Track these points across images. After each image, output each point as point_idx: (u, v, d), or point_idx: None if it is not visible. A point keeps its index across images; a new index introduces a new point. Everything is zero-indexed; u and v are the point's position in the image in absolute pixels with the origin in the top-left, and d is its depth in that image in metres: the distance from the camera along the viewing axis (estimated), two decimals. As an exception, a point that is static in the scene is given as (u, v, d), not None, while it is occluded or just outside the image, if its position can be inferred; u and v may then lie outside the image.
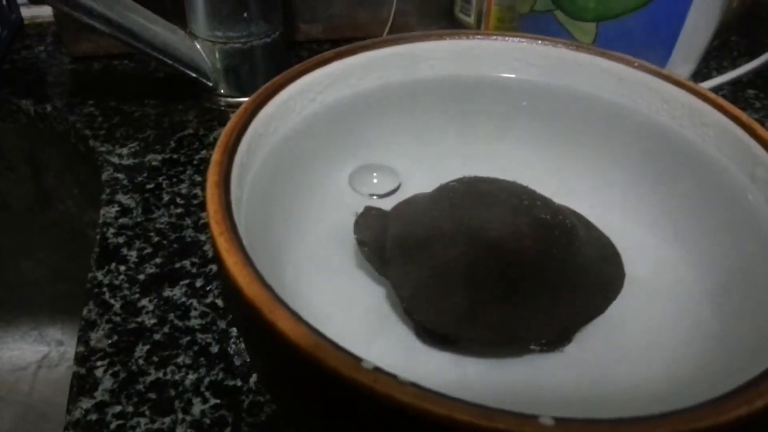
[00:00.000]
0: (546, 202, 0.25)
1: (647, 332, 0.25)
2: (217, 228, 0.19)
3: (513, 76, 0.30)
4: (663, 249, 0.27)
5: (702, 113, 0.27)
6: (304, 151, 0.26)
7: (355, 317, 0.25)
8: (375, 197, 0.29)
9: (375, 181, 0.30)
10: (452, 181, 0.26)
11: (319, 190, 0.27)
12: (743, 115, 0.26)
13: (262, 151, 0.24)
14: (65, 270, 0.53)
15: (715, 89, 0.49)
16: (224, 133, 0.22)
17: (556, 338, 0.24)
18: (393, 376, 0.15)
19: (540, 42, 0.30)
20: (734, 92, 0.52)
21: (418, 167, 0.30)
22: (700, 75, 0.53)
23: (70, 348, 0.56)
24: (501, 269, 0.23)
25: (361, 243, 0.25)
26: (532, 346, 0.24)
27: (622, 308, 0.25)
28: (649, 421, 0.15)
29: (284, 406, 0.21)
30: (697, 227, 0.26)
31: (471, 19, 0.52)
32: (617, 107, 0.29)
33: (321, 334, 0.16)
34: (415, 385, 0.15)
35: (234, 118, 0.23)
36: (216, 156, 0.21)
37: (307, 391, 0.17)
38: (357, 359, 0.15)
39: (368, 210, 0.26)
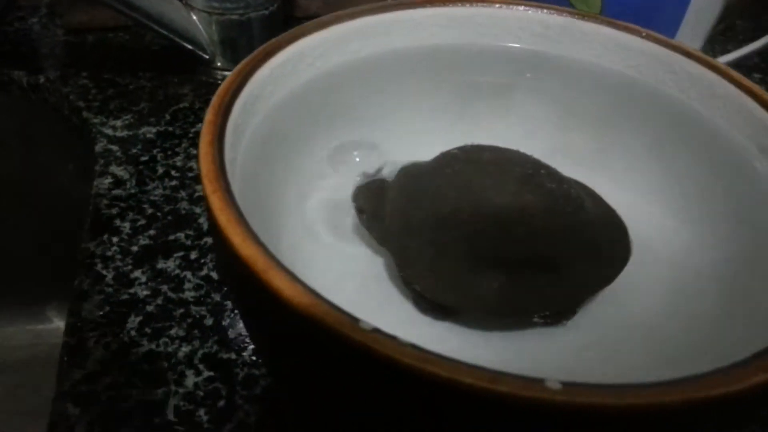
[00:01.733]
0: (551, 172, 0.24)
1: (653, 305, 0.24)
2: (210, 186, 0.18)
3: (517, 45, 0.29)
4: (669, 221, 0.26)
5: (712, 84, 0.26)
6: (302, 117, 0.26)
7: (352, 286, 0.24)
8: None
9: (370, 151, 0.29)
10: (454, 148, 0.25)
11: (317, 156, 0.26)
12: (755, 87, 0.25)
13: (257, 113, 0.23)
14: (58, 245, 0.53)
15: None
16: (218, 94, 0.21)
17: (560, 311, 0.23)
18: (392, 337, 0.14)
19: (546, 11, 0.29)
20: (739, 74, 0.51)
21: (418, 137, 0.29)
22: (704, 56, 0.53)
23: (62, 324, 0.55)
24: (504, 239, 0.22)
25: (359, 210, 0.24)
26: (535, 318, 0.23)
27: (627, 280, 0.24)
28: (660, 387, 0.15)
29: (281, 373, 0.20)
30: (704, 199, 0.26)
31: (473, -4, 0.51)
32: (624, 78, 0.28)
33: (318, 294, 0.15)
34: (415, 347, 0.14)
35: (228, 78, 0.22)
36: (209, 116, 0.20)
37: (304, 354, 0.17)
38: (355, 319, 0.15)
39: (369, 177, 0.25)
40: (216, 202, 0.17)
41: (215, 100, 0.21)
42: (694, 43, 0.44)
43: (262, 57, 0.24)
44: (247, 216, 0.18)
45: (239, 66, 0.23)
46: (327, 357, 0.16)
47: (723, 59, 0.47)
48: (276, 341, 0.18)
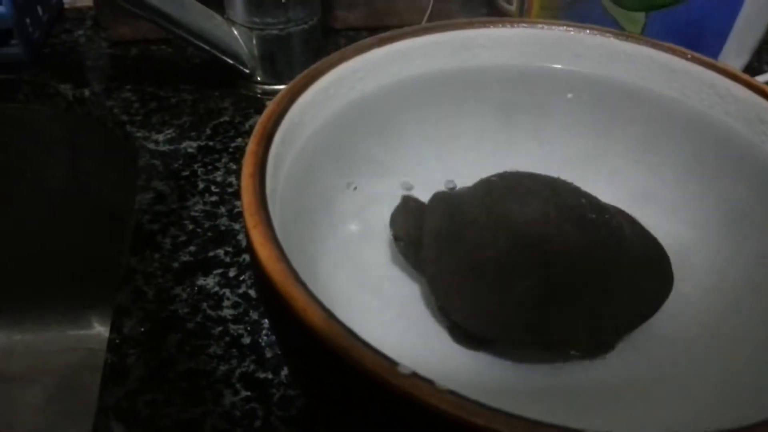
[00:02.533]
0: (591, 200, 0.24)
1: (694, 339, 0.23)
2: (251, 220, 0.18)
3: (559, 66, 0.29)
4: (714, 251, 0.26)
5: (759, 109, 0.25)
6: (341, 141, 0.26)
7: (389, 313, 0.24)
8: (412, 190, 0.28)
9: (409, 175, 0.29)
10: (493, 175, 0.25)
11: (356, 180, 0.26)
12: (804, 112, 0.25)
13: (298, 140, 0.23)
14: (100, 252, 0.54)
15: (768, 83, 0.47)
16: (260, 123, 0.22)
17: (599, 344, 0.23)
18: (430, 383, 0.14)
19: (588, 31, 0.28)
20: (788, 87, 0.50)
21: (458, 159, 0.29)
22: (750, 69, 0.51)
23: (104, 329, 0.57)
24: (542, 270, 0.22)
25: (396, 237, 0.24)
26: (573, 352, 0.23)
27: (668, 312, 0.23)
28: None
29: (314, 402, 0.20)
30: (749, 228, 0.25)
31: (513, 7, 0.51)
32: (668, 101, 0.28)
33: (356, 334, 0.15)
34: (453, 393, 0.14)
35: (270, 106, 0.22)
36: (251, 146, 0.21)
37: (339, 391, 0.17)
38: (393, 363, 0.15)
39: (405, 202, 0.25)
40: (257, 236, 0.18)
41: (258, 128, 0.21)
42: (741, 57, 0.43)
43: (303, 84, 0.24)
44: (287, 245, 0.18)
45: (281, 93, 0.23)
46: (364, 397, 0.16)
47: (770, 73, 0.46)
48: (310, 375, 0.18)
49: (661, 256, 0.24)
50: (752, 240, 0.25)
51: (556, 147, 0.29)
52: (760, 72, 0.49)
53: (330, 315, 0.16)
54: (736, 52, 0.41)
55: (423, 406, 0.14)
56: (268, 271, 0.17)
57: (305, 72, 0.24)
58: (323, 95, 0.25)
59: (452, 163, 0.28)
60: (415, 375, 0.14)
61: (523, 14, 0.50)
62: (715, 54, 0.41)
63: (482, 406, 0.14)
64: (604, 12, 0.40)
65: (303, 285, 0.16)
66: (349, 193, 0.26)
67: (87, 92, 0.46)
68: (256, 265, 0.18)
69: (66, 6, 0.56)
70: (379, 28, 0.27)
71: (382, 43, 0.27)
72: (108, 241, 0.52)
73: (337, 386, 0.17)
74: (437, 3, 0.53)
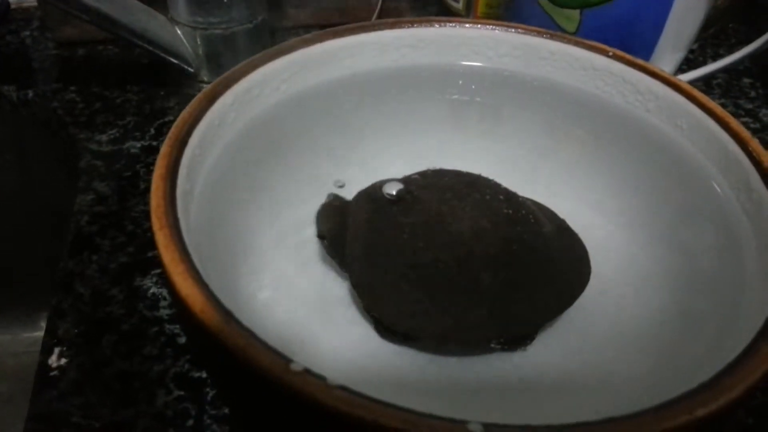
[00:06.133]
0: (510, 197, 0.24)
1: (611, 329, 0.24)
2: (157, 222, 0.18)
3: (484, 65, 0.29)
4: (629, 242, 0.26)
5: (676, 105, 0.26)
6: (266, 143, 0.26)
7: (316, 310, 0.25)
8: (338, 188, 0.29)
9: (342, 173, 0.29)
10: (415, 173, 0.25)
11: (281, 182, 0.27)
12: (717, 108, 0.25)
13: (219, 142, 0.24)
14: (52, 254, 0.53)
15: (709, 77, 0.48)
16: (176, 124, 0.22)
17: (518, 336, 0.23)
18: (322, 379, 0.15)
19: (513, 30, 0.29)
20: (729, 81, 0.51)
21: (383, 158, 0.29)
22: (694, 63, 0.52)
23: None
24: (461, 265, 0.22)
25: (320, 236, 0.25)
26: (493, 344, 0.23)
27: (586, 304, 0.24)
28: (587, 427, 0.15)
29: (224, 401, 0.21)
30: (665, 219, 0.26)
31: (460, 5, 0.51)
32: (590, 98, 0.28)
33: (253, 334, 0.16)
34: (343, 389, 0.15)
35: (186, 108, 0.22)
36: (165, 148, 0.21)
37: (240, 389, 0.17)
38: (287, 360, 0.15)
39: (330, 201, 0.26)
40: (162, 239, 0.18)
41: (172, 131, 0.21)
42: (678, 52, 0.44)
43: (224, 85, 0.24)
44: (201, 247, 0.18)
45: (199, 95, 0.23)
46: (262, 395, 0.16)
47: (712, 66, 0.47)
48: (216, 376, 0.18)
49: (579, 250, 0.25)
50: (665, 226, 0.25)
51: (481, 144, 0.30)
52: (705, 65, 0.49)
53: (227, 315, 0.16)
54: (672, 46, 0.42)
55: (314, 402, 0.14)
56: (170, 273, 0.17)
57: (227, 73, 0.25)
58: (246, 96, 0.25)
59: (378, 160, 0.29)
60: (307, 372, 0.15)
61: (469, 12, 0.51)
62: (651, 49, 0.41)
63: (372, 400, 0.14)
64: (541, 10, 0.40)
65: (203, 286, 0.17)
66: (274, 194, 0.26)
67: (31, 94, 0.45)
68: (162, 267, 0.18)
69: (12, 6, 0.55)
70: (329, 26, 0.27)
71: (307, 43, 0.27)
72: (54, 244, 0.51)
73: (238, 385, 0.17)
74: (387, 1, 0.54)
